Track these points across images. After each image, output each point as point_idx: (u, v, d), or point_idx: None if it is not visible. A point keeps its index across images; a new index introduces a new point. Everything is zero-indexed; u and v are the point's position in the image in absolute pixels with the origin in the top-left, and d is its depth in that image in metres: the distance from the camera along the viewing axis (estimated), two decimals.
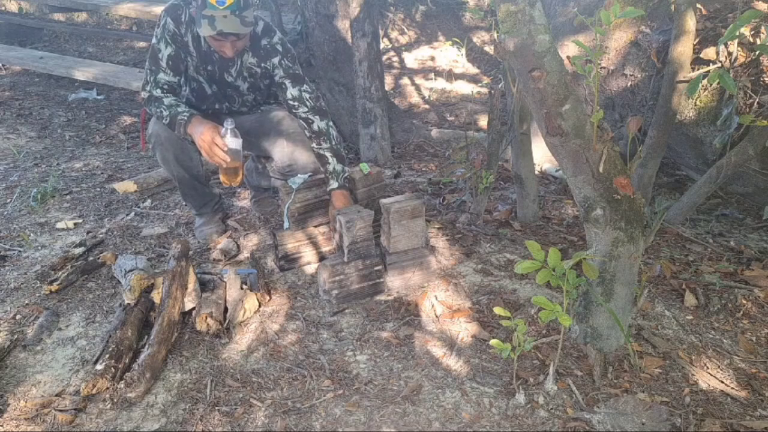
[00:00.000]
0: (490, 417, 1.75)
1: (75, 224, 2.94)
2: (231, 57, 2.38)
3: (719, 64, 2.53)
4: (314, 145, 2.54)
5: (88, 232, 2.85)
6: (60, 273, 2.42)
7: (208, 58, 2.48)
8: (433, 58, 6.00)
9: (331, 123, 2.56)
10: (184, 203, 3.04)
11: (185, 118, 2.36)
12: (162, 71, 2.42)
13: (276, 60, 2.48)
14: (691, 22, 2.42)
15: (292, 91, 2.49)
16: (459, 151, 3.60)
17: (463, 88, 5.32)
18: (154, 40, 2.40)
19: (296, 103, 2.50)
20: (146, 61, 2.44)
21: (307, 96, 2.51)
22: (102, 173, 3.59)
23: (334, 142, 2.53)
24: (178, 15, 2.38)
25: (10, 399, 1.84)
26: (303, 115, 2.52)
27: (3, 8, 6.70)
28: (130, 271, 2.24)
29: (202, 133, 2.29)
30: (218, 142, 2.28)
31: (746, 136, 2.47)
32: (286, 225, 2.53)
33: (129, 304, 2.12)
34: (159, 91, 2.43)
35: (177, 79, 2.47)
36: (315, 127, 2.52)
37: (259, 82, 2.63)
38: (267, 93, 2.73)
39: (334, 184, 2.50)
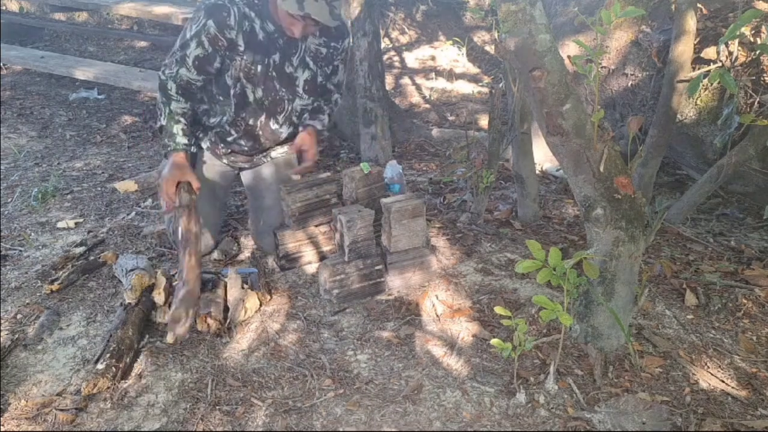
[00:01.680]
0: (491, 416, 1.75)
1: (76, 224, 2.94)
2: (296, 38, 2.26)
3: (720, 64, 2.53)
4: (321, 103, 2.57)
5: (88, 232, 2.85)
6: (61, 272, 2.42)
7: (269, 48, 2.29)
8: (433, 58, 6.00)
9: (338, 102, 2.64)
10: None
11: (170, 146, 2.27)
12: (185, 67, 2.26)
13: (346, 42, 2.44)
14: (691, 22, 2.42)
15: (340, 77, 2.54)
16: (460, 150, 3.60)
17: (464, 87, 5.32)
18: (188, 32, 2.23)
19: (334, 89, 2.56)
20: (176, 42, 2.28)
21: (343, 80, 2.58)
22: (103, 173, 3.59)
23: (335, 109, 2.63)
24: (223, 18, 2.19)
25: (10, 398, 1.84)
26: (333, 96, 2.58)
27: (4, 7, 6.71)
28: (131, 270, 2.24)
29: (164, 178, 2.22)
30: (171, 195, 2.21)
31: (747, 136, 2.47)
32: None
33: (130, 303, 2.12)
34: (173, 85, 2.28)
35: (201, 77, 2.31)
36: (334, 98, 2.59)
37: (319, 72, 2.45)
38: (316, 96, 2.54)
39: (318, 125, 2.54)
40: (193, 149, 2.46)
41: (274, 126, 2.47)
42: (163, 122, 2.30)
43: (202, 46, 2.21)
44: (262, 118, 2.43)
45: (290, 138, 2.58)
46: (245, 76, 2.32)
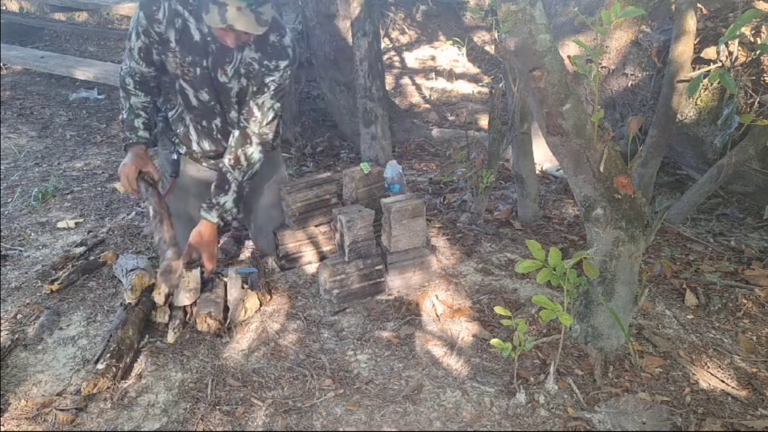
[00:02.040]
0: (491, 416, 1.75)
1: (76, 224, 2.94)
2: (231, 48, 2.13)
3: (720, 64, 2.53)
4: (229, 161, 2.26)
5: (89, 232, 2.85)
6: (61, 272, 2.42)
7: (200, 52, 2.18)
8: (433, 58, 6.00)
9: (262, 158, 2.31)
10: None
11: (130, 140, 2.31)
12: (134, 60, 2.25)
13: (283, 64, 2.20)
14: (691, 22, 2.42)
15: (266, 100, 2.23)
16: (460, 150, 3.60)
17: (464, 87, 5.33)
18: (131, 26, 2.23)
19: (258, 114, 2.24)
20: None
21: (271, 116, 2.26)
22: (103, 173, 3.59)
23: (245, 178, 2.29)
24: (152, 12, 2.14)
25: (11, 398, 1.84)
26: (252, 128, 2.25)
27: (4, 7, 6.71)
28: (132, 270, 2.24)
29: (124, 167, 2.28)
30: (131, 181, 2.26)
31: (747, 136, 2.47)
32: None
33: (130, 303, 2.12)
34: (131, 80, 2.31)
35: (151, 69, 2.27)
36: (249, 150, 2.26)
37: (248, 87, 2.27)
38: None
39: (212, 217, 2.26)
40: (174, 156, 2.49)
41: (229, 129, 2.38)
42: (125, 116, 2.34)
43: (139, 37, 2.22)
44: (217, 121, 2.36)
45: None
46: (183, 77, 2.26)
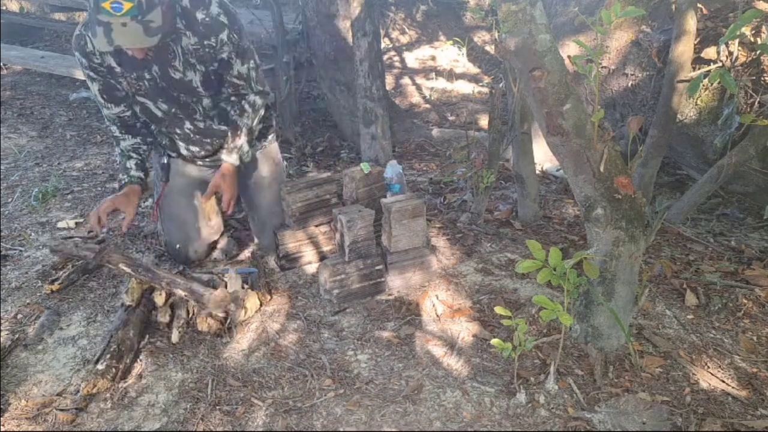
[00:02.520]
0: (491, 416, 1.75)
1: (76, 223, 2.94)
2: (143, 58, 2.10)
3: (720, 64, 2.53)
4: (235, 113, 2.32)
5: (89, 232, 2.85)
6: (61, 272, 2.42)
7: (140, 64, 2.15)
8: (433, 58, 6.00)
9: (267, 103, 2.40)
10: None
11: (122, 181, 2.36)
12: (104, 107, 2.29)
13: (224, 35, 2.13)
14: (691, 22, 2.42)
15: (240, 69, 2.23)
16: (460, 150, 3.60)
17: (464, 87, 5.32)
18: (86, 78, 2.25)
19: (241, 82, 2.26)
20: None
21: (254, 75, 2.28)
22: (103, 173, 3.59)
23: (254, 121, 2.35)
24: (82, 46, 2.12)
25: (11, 398, 1.84)
26: (242, 92, 2.29)
27: (4, 7, 6.71)
28: None
29: (110, 198, 2.30)
30: (101, 215, 2.25)
31: (747, 136, 2.47)
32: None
33: (130, 305, 2.12)
34: (114, 127, 2.36)
35: (122, 107, 2.29)
36: (250, 99, 2.31)
37: (208, 70, 2.23)
38: (219, 87, 2.33)
39: (232, 158, 2.34)
40: (165, 160, 2.53)
41: (201, 125, 2.39)
42: (118, 159, 2.43)
43: (92, 79, 2.21)
44: (187, 124, 2.37)
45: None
46: (137, 93, 2.26)
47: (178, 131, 2.40)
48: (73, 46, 2.19)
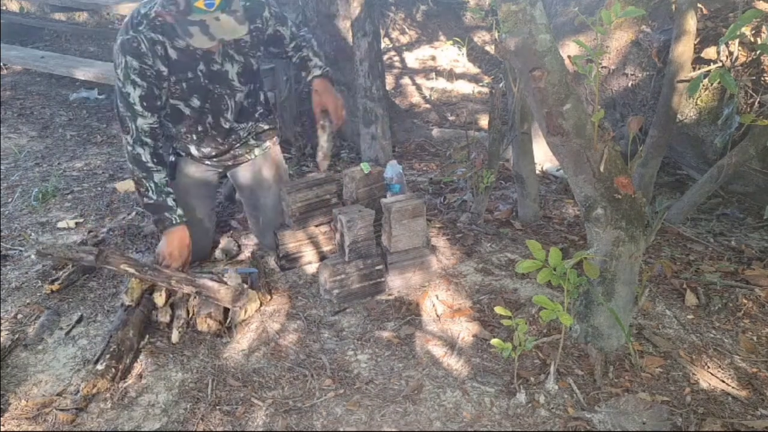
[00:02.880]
0: (491, 416, 1.75)
1: (76, 223, 2.94)
2: (192, 57, 2.18)
3: (720, 64, 2.53)
4: (295, 55, 2.47)
5: (89, 232, 2.85)
6: (61, 272, 2.42)
7: (189, 63, 2.20)
8: (433, 58, 6.00)
9: (314, 40, 2.51)
10: None
11: (175, 220, 2.24)
12: (140, 116, 2.15)
13: (266, 12, 2.27)
14: (691, 22, 2.42)
15: (288, 33, 2.41)
16: (460, 150, 3.60)
17: (464, 87, 5.32)
18: (118, 83, 2.13)
19: (296, 41, 2.44)
20: (117, 107, 2.18)
21: (295, 29, 2.44)
22: (103, 172, 3.59)
23: (316, 49, 2.48)
24: (135, 48, 2.09)
25: (11, 398, 1.84)
26: (301, 44, 2.46)
27: (4, 7, 6.71)
28: None
29: (172, 254, 2.22)
30: (176, 266, 2.22)
31: (747, 136, 2.47)
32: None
33: (130, 305, 2.12)
34: (146, 153, 2.20)
35: (155, 118, 2.21)
36: (304, 37, 2.48)
37: (250, 58, 2.31)
38: (254, 82, 2.46)
39: (317, 72, 2.45)
40: (172, 158, 2.49)
41: (226, 125, 2.41)
42: (154, 198, 2.23)
43: (136, 84, 2.11)
44: (209, 119, 2.37)
45: (260, 128, 2.59)
46: (171, 96, 2.25)
47: (199, 128, 2.37)
48: (121, 51, 2.09)
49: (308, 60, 2.46)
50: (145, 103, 2.15)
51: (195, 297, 2.19)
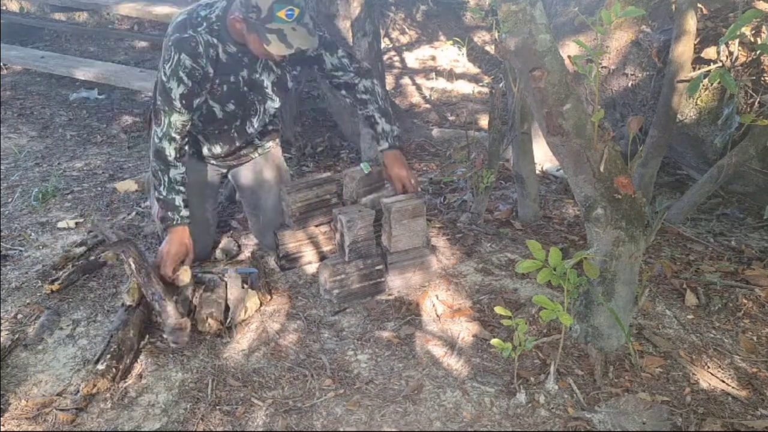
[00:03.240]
0: (491, 416, 1.75)
1: (76, 223, 2.94)
2: (281, 59, 2.23)
3: (720, 64, 2.53)
4: (360, 109, 2.48)
5: (89, 232, 2.85)
6: (61, 272, 2.42)
7: (234, 68, 2.27)
8: (434, 58, 6.00)
9: (376, 81, 2.47)
10: None
11: (176, 220, 2.23)
12: (176, 111, 2.19)
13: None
14: (692, 22, 2.42)
15: (331, 60, 2.38)
16: (460, 150, 3.60)
17: (464, 87, 5.32)
18: (162, 77, 2.16)
19: (339, 72, 2.41)
20: (154, 98, 2.24)
21: (347, 61, 2.40)
22: (103, 173, 3.59)
23: (380, 102, 2.45)
24: (193, 48, 2.14)
25: (11, 398, 1.84)
26: (348, 81, 2.43)
27: (4, 7, 6.70)
28: None
29: (169, 254, 2.18)
30: (170, 273, 2.17)
31: (747, 136, 2.47)
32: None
33: (130, 305, 2.12)
34: (171, 149, 2.22)
35: (190, 116, 2.25)
36: (361, 87, 2.44)
37: (285, 73, 2.40)
38: (285, 94, 2.50)
39: (384, 144, 2.44)
40: None
41: (249, 129, 2.48)
42: (164, 194, 2.24)
43: (182, 82, 2.15)
44: (237, 122, 2.43)
45: (266, 129, 2.62)
46: (211, 98, 2.30)
47: (225, 127, 2.43)
48: (176, 48, 2.13)
49: (375, 123, 2.45)
50: (184, 101, 2.19)
51: (195, 297, 2.20)
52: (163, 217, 2.27)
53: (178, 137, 2.24)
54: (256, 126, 2.49)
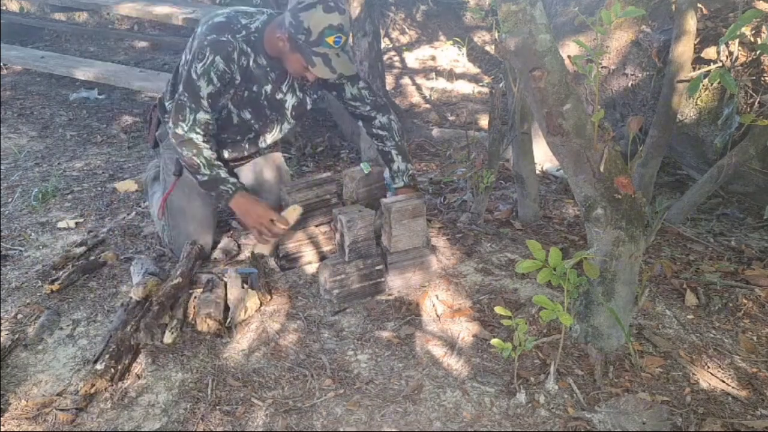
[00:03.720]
0: (491, 416, 1.75)
1: (76, 223, 2.94)
2: (312, 81, 2.32)
3: (720, 64, 2.53)
4: (377, 143, 2.53)
5: (89, 232, 2.85)
6: (61, 272, 2.42)
7: (260, 80, 2.33)
8: (434, 58, 6.00)
9: (393, 117, 2.52)
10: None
11: (230, 190, 2.30)
12: (202, 110, 2.25)
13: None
14: (692, 22, 2.42)
15: (351, 90, 2.44)
16: (460, 150, 3.60)
17: (464, 87, 5.32)
18: (193, 75, 2.20)
19: (357, 103, 2.46)
20: (180, 94, 2.25)
21: (366, 93, 2.46)
22: (103, 173, 3.59)
23: (397, 139, 2.50)
24: (229, 53, 2.20)
25: (11, 398, 1.84)
26: (364, 113, 2.49)
27: (4, 7, 6.71)
28: (151, 274, 2.26)
29: (257, 215, 2.29)
30: (279, 223, 2.30)
31: (747, 136, 2.47)
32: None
33: (137, 301, 2.12)
34: (197, 136, 2.27)
35: (213, 115, 2.32)
36: (377, 123, 2.49)
37: (306, 96, 2.48)
38: (303, 119, 2.58)
39: (399, 183, 2.50)
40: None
41: (262, 145, 2.55)
42: (207, 172, 2.29)
43: (211, 83, 2.21)
44: (251, 135, 2.48)
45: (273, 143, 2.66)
46: (231, 102, 2.35)
47: (238, 137, 2.49)
48: (212, 49, 2.17)
49: (391, 161, 2.51)
50: (210, 101, 2.25)
51: (195, 297, 2.20)
52: (218, 195, 2.33)
53: (201, 133, 2.28)
54: (269, 142, 2.56)
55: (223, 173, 2.32)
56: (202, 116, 2.26)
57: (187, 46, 2.33)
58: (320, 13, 2.09)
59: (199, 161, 2.28)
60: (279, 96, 2.40)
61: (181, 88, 2.25)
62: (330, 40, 2.11)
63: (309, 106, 2.54)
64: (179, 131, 2.27)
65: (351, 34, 2.23)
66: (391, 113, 2.53)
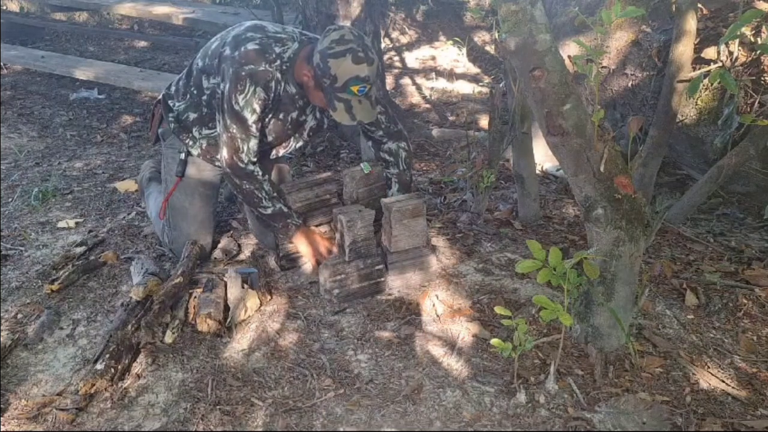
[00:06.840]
0: (491, 416, 1.75)
1: (76, 223, 2.94)
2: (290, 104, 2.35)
3: (720, 64, 2.53)
4: (381, 165, 2.56)
5: (89, 231, 2.85)
6: (61, 272, 2.42)
7: (288, 107, 2.36)
8: (434, 58, 6.00)
9: (403, 145, 2.53)
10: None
11: (297, 224, 2.37)
12: (253, 137, 2.27)
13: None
14: (692, 22, 2.42)
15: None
16: (460, 150, 3.60)
17: (464, 87, 5.32)
18: (236, 107, 2.20)
19: (372, 127, 2.48)
20: (227, 128, 2.25)
21: (382, 119, 2.47)
22: (103, 172, 3.59)
23: (402, 167, 2.53)
24: (267, 82, 2.22)
25: (11, 398, 1.84)
26: (375, 137, 2.53)
27: (4, 7, 6.71)
28: (151, 273, 2.26)
29: (320, 251, 2.38)
30: (333, 251, 2.37)
31: (747, 136, 2.47)
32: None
33: (137, 301, 2.12)
34: (255, 168, 2.32)
35: (258, 139, 2.35)
36: (386, 147, 2.52)
37: (324, 118, 2.52)
38: (317, 139, 2.59)
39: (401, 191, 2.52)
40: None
41: (272, 156, 2.57)
42: (270, 206, 2.34)
43: (255, 112, 2.23)
44: (265, 148, 2.49)
45: None
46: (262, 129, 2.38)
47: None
48: (252, 80, 2.18)
49: (388, 187, 2.55)
50: (259, 126, 2.28)
51: (195, 297, 2.20)
52: (281, 227, 2.38)
53: (255, 159, 2.33)
54: (280, 155, 2.59)
55: (285, 207, 2.37)
56: (253, 143, 2.28)
57: (204, 53, 2.34)
58: (349, 63, 2.09)
59: (261, 195, 2.32)
60: (302, 118, 2.45)
61: (227, 122, 2.24)
62: (355, 89, 2.13)
63: (325, 126, 2.58)
64: (240, 164, 2.29)
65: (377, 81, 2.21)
66: (402, 141, 2.53)
